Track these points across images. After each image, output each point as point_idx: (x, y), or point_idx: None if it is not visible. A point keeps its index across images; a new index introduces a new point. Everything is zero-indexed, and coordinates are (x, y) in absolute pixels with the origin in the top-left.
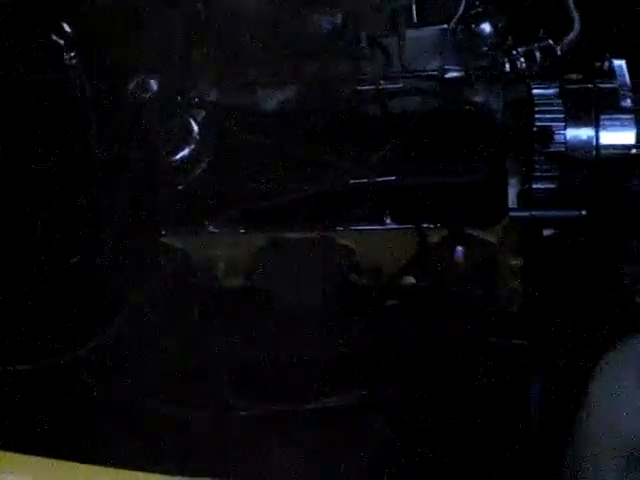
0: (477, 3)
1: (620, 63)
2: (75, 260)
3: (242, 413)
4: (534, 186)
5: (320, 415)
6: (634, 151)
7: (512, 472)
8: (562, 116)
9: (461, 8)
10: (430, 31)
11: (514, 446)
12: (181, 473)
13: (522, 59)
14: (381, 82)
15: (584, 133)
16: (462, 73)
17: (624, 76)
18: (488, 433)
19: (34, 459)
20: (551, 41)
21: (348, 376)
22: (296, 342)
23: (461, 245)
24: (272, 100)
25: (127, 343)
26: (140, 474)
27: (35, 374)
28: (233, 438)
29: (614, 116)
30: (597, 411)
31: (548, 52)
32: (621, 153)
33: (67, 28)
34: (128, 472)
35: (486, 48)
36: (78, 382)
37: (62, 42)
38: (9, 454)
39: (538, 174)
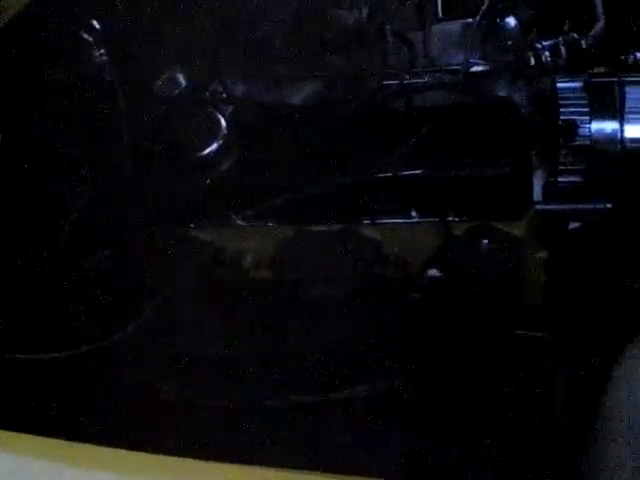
0: None
1: None
2: (106, 254)
3: (268, 403)
4: (559, 179)
5: (344, 406)
6: None
7: (537, 463)
8: (587, 110)
9: (486, 2)
10: (455, 25)
11: (539, 438)
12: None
13: (547, 53)
14: (406, 76)
15: (609, 126)
16: (487, 67)
17: None
18: (514, 425)
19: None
20: (576, 35)
21: (373, 367)
22: (322, 334)
23: (486, 238)
24: (299, 94)
25: (157, 334)
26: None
27: (69, 363)
28: (261, 428)
29: (639, 109)
30: (618, 400)
31: (573, 46)
32: None
33: (96, 25)
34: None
35: (511, 42)
36: (109, 371)
37: (91, 39)
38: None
39: (563, 167)
